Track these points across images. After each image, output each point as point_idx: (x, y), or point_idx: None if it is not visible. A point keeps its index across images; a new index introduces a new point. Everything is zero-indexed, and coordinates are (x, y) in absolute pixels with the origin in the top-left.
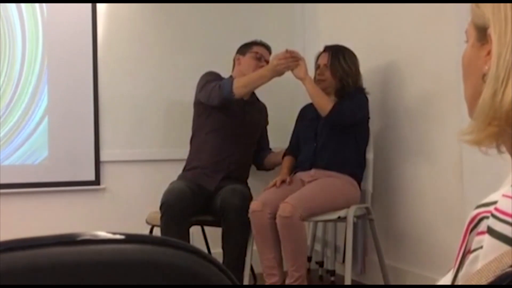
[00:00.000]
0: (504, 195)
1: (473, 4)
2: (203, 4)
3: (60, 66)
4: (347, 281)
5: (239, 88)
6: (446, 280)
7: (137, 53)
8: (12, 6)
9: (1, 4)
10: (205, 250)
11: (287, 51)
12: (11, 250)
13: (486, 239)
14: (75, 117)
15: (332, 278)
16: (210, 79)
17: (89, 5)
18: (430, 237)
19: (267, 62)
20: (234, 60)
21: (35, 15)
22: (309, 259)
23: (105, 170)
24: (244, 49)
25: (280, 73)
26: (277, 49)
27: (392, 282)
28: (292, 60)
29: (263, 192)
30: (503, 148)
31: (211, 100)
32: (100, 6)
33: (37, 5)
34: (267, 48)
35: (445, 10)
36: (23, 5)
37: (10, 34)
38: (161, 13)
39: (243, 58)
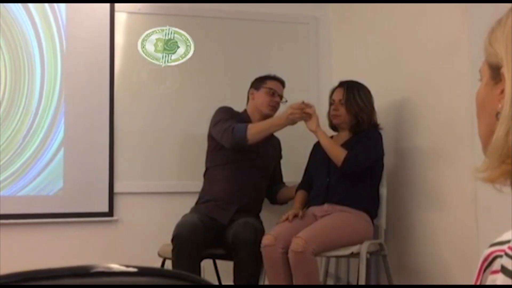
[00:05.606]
0: None
1: (487, 43)
2: (219, 37)
3: (77, 99)
4: None
5: (253, 135)
6: None
7: (152, 86)
8: (33, 38)
9: (22, 37)
10: (217, 284)
11: (303, 102)
12: (26, 280)
13: (500, 278)
14: (90, 149)
15: None
16: (224, 118)
17: (107, 38)
18: (444, 274)
19: (281, 97)
20: (248, 94)
21: (54, 48)
22: None
23: (119, 202)
24: (258, 83)
25: (293, 122)
26: (292, 82)
27: None
28: (306, 111)
29: (275, 226)
30: None
31: (223, 142)
32: (117, 39)
33: (57, 38)
34: (281, 83)
35: (459, 47)
36: (43, 37)
37: (30, 67)
38: None
39: (257, 93)
